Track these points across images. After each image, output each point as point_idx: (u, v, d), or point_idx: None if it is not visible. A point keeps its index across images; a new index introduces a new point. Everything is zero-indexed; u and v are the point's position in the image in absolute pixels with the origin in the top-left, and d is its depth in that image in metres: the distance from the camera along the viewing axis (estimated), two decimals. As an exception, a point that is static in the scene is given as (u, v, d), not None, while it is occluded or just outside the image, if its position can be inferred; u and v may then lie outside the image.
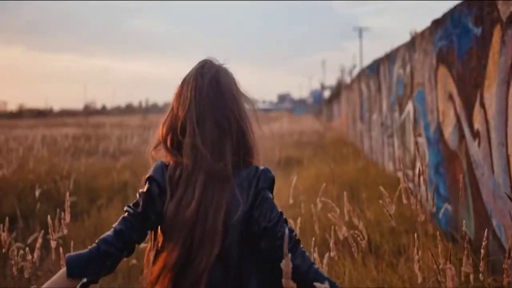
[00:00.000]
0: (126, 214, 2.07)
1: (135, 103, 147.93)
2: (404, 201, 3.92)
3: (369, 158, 13.63)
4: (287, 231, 1.71)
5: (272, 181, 2.01)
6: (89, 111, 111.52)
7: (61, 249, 3.79)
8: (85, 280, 1.85)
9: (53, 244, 3.87)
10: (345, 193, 4.27)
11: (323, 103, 67.10)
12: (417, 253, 3.14)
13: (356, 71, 36.96)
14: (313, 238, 3.20)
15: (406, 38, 8.94)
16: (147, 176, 2.04)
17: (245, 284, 1.92)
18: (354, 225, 4.71)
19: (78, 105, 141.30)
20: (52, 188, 9.94)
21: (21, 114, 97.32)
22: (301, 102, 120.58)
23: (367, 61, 43.65)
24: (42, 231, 4.28)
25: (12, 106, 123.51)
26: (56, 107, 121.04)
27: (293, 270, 1.49)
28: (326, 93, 73.19)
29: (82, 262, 1.89)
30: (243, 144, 2.03)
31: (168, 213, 1.94)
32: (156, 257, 2.00)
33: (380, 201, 3.93)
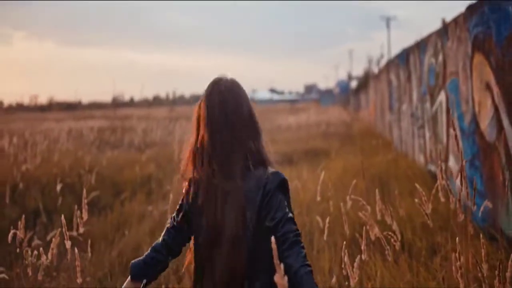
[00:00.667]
0: (169, 225, 2.42)
1: (162, 95, 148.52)
2: (442, 199, 3.62)
3: (398, 149, 13.29)
4: (283, 230, 2.01)
5: (280, 183, 2.15)
6: (117, 103, 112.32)
7: (76, 249, 3.61)
8: (145, 281, 2.33)
9: (67, 244, 3.68)
10: (377, 190, 3.98)
11: (350, 93, 66.45)
12: (458, 258, 2.87)
13: (383, 61, 36.43)
14: (344, 242, 2.94)
15: (434, 27, 8.60)
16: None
17: (255, 283, 2.13)
18: (385, 223, 4.46)
19: (107, 98, 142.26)
20: (76, 182, 9.83)
21: (51, 107, 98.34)
22: (328, 93, 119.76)
23: (395, 50, 42.88)
24: (60, 228, 4.07)
25: (42, 100, 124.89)
26: (85, 100, 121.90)
27: (285, 270, 1.64)
28: (353, 84, 72.46)
29: (141, 267, 2.39)
30: (255, 152, 2.22)
31: (193, 223, 2.28)
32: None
33: (416, 200, 3.63)
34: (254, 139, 2.25)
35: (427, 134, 9.43)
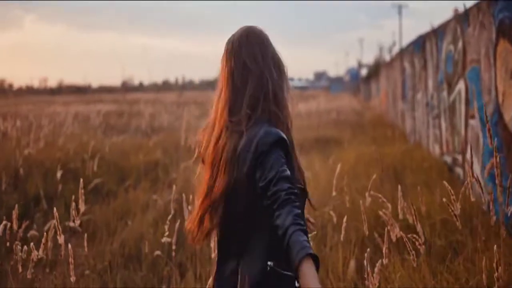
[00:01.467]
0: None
1: (172, 80, 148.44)
2: (472, 198, 3.30)
3: (411, 139, 12.94)
4: (275, 189, 1.85)
5: (276, 141, 1.98)
6: (126, 87, 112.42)
7: (69, 245, 3.33)
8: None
9: (60, 239, 3.40)
10: (399, 187, 3.66)
11: (360, 81, 65.93)
12: (496, 268, 2.55)
13: (396, 49, 35.92)
14: (367, 251, 2.64)
15: (446, 16, 8.24)
16: None
17: (250, 242, 2.05)
18: (407, 221, 4.15)
19: (116, 82, 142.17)
20: (79, 168, 9.56)
21: (61, 90, 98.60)
22: (338, 80, 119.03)
23: (406, 39, 42.28)
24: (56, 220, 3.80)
25: (52, 83, 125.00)
26: (95, 84, 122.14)
27: (276, 233, 1.78)
28: (363, 71, 71.89)
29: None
30: (269, 100, 2.11)
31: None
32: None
33: (444, 200, 3.31)
34: (269, 84, 2.12)
35: (443, 125, 9.08)
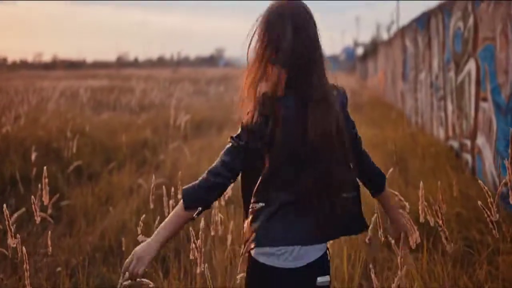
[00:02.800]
0: (230, 145, 2.14)
1: (167, 56, 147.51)
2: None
3: (412, 121, 12.42)
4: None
5: None
6: (121, 63, 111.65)
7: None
8: (200, 209, 2.09)
9: (12, 242, 2.85)
10: (421, 184, 3.13)
11: (356, 60, 65.20)
12: None
13: (394, 27, 35.22)
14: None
15: None
16: None
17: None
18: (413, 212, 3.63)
19: (112, 57, 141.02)
20: (62, 147, 8.99)
21: (55, 65, 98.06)
22: (333, 59, 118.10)
23: (404, 19, 41.57)
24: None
25: (47, 58, 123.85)
26: (90, 59, 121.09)
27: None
28: (359, 50, 71.18)
29: (196, 194, 2.10)
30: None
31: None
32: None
33: (480, 203, 2.78)
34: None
35: (450, 107, 8.55)
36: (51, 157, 8.61)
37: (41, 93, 16.73)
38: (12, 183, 7.23)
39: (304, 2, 2.17)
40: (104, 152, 9.44)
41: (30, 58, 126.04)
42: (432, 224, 3.10)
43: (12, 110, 10.52)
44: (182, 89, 22.98)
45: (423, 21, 10.88)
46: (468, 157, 7.41)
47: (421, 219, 3.08)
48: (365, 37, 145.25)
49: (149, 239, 2.11)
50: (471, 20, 7.17)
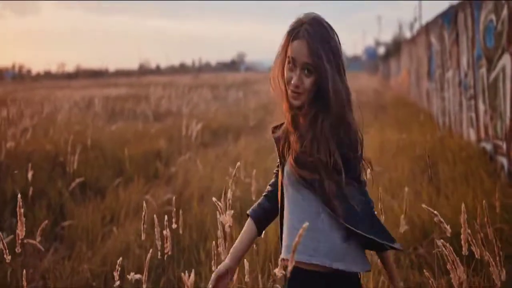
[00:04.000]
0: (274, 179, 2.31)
1: (189, 62, 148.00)
2: None
3: (439, 122, 11.76)
4: None
5: None
6: (143, 71, 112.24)
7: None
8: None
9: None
10: (463, 207, 2.57)
11: (378, 60, 64.31)
12: None
13: (417, 25, 34.40)
14: None
15: None
16: None
17: None
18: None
19: (134, 65, 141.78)
20: (69, 161, 8.54)
21: (78, 75, 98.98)
22: (355, 59, 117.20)
23: (426, 17, 40.76)
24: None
25: (70, 67, 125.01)
26: (112, 67, 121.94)
27: None
28: (381, 50, 70.32)
29: (261, 214, 2.24)
30: None
31: None
32: None
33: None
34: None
35: (481, 107, 7.91)
36: (58, 171, 8.19)
37: (55, 103, 16.34)
38: (14, 201, 6.79)
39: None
40: (114, 164, 8.97)
41: (53, 69, 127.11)
42: (478, 256, 2.52)
43: (22, 122, 10.10)
44: (200, 95, 22.53)
45: (450, 16, 10.23)
46: (503, 160, 6.78)
47: (464, 251, 2.51)
48: (387, 36, 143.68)
49: (226, 261, 2.18)
50: (505, 12, 6.55)
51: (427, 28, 14.31)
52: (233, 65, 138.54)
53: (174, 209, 3.27)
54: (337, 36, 2.06)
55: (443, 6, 8.79)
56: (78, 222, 6.14)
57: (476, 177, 6.39)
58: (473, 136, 8.47)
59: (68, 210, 6.68)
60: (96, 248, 5.36)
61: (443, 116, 11.44)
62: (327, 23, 2.04)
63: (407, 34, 38.23)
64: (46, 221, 4.19)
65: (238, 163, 2.97)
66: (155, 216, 3.25)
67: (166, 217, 3.21)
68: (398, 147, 8.16)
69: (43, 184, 7.75)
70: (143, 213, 3.15)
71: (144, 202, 3.27)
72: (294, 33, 1.99)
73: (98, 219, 6.14)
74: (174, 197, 3.74)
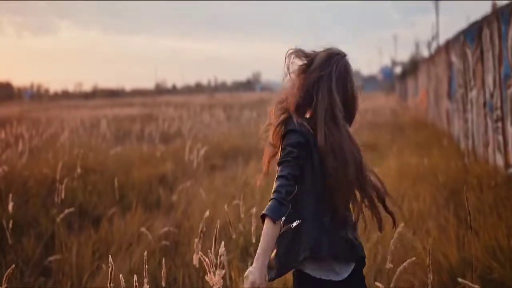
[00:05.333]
0: (289, 159, 2.43)
1: (204, 82, 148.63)
2: None
3: (460, 144, 11.11)
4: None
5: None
6: (159, 90, 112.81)
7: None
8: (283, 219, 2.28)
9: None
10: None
11: (395, 79, 63.67)
12: None
13: (434, 44, 33.84)
14: None
15: (483, 11, 6.43)
16: None
17: None
18: None
19: (150, 85, 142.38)
20: (67, 187, 8.02)
21: (95, 94, 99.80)
22: (371, 79, 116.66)
23: (443, 36, 40.18)
24: None
25: (87, 87, 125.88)
26: (129, 87, 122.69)
27: None
28: (397, 70, 69.74)
29: (278, 208, 2.26)
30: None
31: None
32: None
33: None
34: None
35: (510, 129, 7.28)
36: (53, 198, 7.65)
37: (62, 123, 15.88)
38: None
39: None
40: (115, 190, 8.42)
41: (71, 88, 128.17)
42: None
43: (20, 144, 9.60)
44: (212, 116, 22.06)
45: (473, 32, 9.62)
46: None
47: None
48: (403, 56, 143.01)
49: (254, 265, 2.18)
50: (535, 26, 5.96)
51: (447, 46, 13.70)
52: (248, 85, 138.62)
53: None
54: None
55: (460, 23, 8.31)
56: (67, 255, 5.61)
57: (507, 208, 5.77)
58: (500, 161, 7.83)
59: (60, 241, 6.14)
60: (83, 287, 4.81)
61: (465, 138, 10.79)
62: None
63: (425, 53, 37.68)
64: (13, 266, 3.60)
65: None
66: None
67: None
68: (418, 173, 7.54)
69: (36, 211, 7.26)
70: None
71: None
72: None
73: (88, 253, 5.60)
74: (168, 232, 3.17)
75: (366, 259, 2.58)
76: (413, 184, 7.06)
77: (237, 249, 5.29)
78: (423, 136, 13.16)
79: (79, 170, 8.78)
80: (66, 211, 5.83)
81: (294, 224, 2.30)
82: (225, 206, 4.07)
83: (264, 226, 2.21)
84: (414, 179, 7.36)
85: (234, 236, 4.30)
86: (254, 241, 3.78)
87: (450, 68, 13.01)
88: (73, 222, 6.98)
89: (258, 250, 2.18)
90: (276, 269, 2.35)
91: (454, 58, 12.24)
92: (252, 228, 3.88)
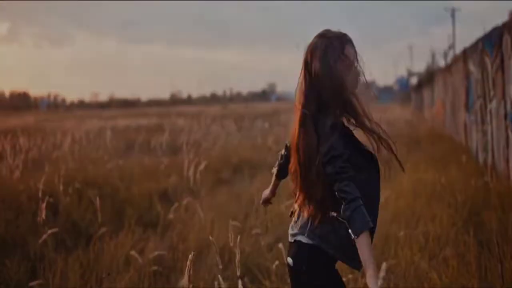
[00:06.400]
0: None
1: (220, 92, 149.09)
2: None
3: (479, 158, 10.56)
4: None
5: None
6: (174, 100, 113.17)
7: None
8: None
9: None
10: None
11: (411, 90, 62.93)
12: None
13: (451, 53, 33.20)
14: None
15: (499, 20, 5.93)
16: None
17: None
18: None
19: (166, 95, 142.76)
20: (62, 203, 7.60)
21: (110, 104, 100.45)
22: (387, 90, 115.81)
23: (459, 46, 39.51)
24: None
25: (103, 97, 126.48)
26: (145, 97, 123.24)
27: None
28: (413, 80, 69.06)
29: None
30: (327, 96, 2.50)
31: None
32: None
33: None
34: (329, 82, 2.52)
35: (534, 144, 6.75)
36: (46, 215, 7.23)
37: (66, 134, 15.49)
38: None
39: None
40: (113, 205, 7.99)
41: (87, 98, 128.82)
42: None
43: (17, 156, 9.21)
44: (224, 127, 21.62)
45: (493, 39, 9.08)
46: None
47: None
48: (419, 67, 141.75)
49: (268, 192, 3.11)
50: None
51: (464, 54, 13.14)
52: (264, 96, 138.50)
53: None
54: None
55: (477, 34, 7.80)
56: (52, 279, 5.17)
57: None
58: (524, 178, 7.29)
59: (47, 262, 5.70)
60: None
61: (484, 152, 10.22)
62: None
63: (441, 63, 37.06)
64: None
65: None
66: None
67: None
68: (434, 191, 7.01)
69: (26, 229, 6.84)
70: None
71: None
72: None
73: (74, 277, 5.14)
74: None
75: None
76: (428, 203, 6.53)
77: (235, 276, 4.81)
78: (439, 150, 12.59)
79: (77, 184, 8.42)
80: (50, 231, 5.40)
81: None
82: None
83: (365, 240, 2.28)
84: (429, 197, 6.83)
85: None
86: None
87: (467, 77, 12.46)
88: (66, 240, 6.57)
89: (367, 259, 2.25)
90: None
91: (472, 67, 11.69)
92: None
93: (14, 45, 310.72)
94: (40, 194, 5.99)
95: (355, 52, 2.55)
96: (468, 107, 12.56)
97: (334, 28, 2.61)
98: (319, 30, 2.59)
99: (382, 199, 4.98)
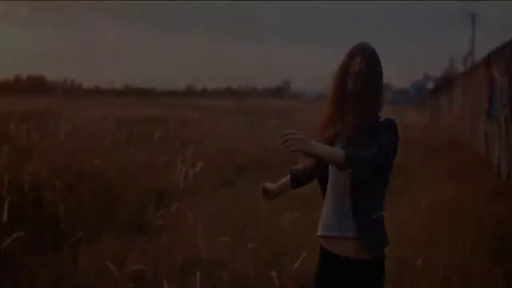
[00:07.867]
0: None
1: (235, 86, 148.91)
2: None
3: (501, 171, 9.84)
4: None
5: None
6: (189, 92, 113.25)
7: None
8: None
9: None
10: None
11: (429, 95, 62.00)
12: None
13: (469, 60, 32.38)
14: None
15: None
16: None
17: None
18: None
19: (182, 86, 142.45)
20: (50, 199, 6.99)
21: (126, 93, 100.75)
22: (403, 93, 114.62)
23: (479, 53, 38.58)
24: None
25: (119, 85, 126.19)
26: (161, 87, 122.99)
27: None
28: (429, 85, 68.22)
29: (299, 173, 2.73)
30: None
31: None
32: None
33: None
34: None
35: None
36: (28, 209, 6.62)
37: (68, 122, 14.90)
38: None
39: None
40: (104, 204, 7.36)
41: (103, 85, 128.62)
42: None
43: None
44: (235, 122, 21.01)
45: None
46: None
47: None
48: (436, 70, 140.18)
49: (273, 185, 2.83)
50: None
51: (488, 60, 12.38)
52: (278, 92, 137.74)
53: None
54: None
55: (497, 41, 7.05)
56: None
57: None
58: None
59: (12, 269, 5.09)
60: None
61: (508, 165, 9.49)
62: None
63: (459, 68, 36.27)
64: None
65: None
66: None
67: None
68: (455, 210, 6.31)
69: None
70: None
71: None
72: None
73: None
74: None
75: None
76: (448, 226, 5.83)
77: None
78: (458, 160, 11.84)
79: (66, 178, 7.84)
80: (15, 235, 4.77)
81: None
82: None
83: (340, 153, 2.23)
84: (450, 219, 6.12)
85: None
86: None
87: (491, 84, 11.71)
88: (45, 242, 5.94)
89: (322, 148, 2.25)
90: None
91: (496, 74, 10.95)
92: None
93: (34, 30, 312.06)
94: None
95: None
96: (490, 116, 11.81)
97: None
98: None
99: (395, 216, 4.20)
